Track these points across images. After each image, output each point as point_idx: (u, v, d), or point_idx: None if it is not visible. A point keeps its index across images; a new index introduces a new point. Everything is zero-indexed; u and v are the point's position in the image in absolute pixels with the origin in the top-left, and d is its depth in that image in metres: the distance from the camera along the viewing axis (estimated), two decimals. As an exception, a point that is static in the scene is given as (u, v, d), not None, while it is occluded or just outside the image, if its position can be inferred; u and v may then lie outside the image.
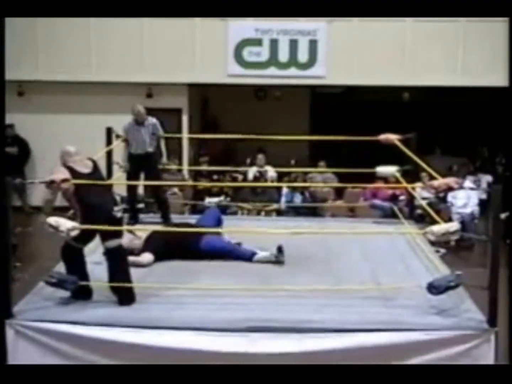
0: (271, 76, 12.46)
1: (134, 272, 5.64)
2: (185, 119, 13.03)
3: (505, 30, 10.36)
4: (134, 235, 6.52)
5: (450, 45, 12.23)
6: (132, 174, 7.78)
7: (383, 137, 7.80)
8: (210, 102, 14.89)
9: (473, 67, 12.19)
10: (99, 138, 8.10)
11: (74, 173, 5.33)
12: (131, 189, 7.97)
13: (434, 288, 5.23)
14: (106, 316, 5.15)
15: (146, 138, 7.69)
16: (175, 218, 8.04)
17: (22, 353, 5.00)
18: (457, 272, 5.59)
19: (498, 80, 11.38)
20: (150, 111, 12.75)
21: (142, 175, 7.93)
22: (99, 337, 4.96)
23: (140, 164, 7.74)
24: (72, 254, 5.44)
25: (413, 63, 12.24)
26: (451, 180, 6.16)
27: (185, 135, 12.84)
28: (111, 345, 4.94)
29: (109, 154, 7.83)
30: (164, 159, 8.03)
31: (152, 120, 7.82)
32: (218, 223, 7.23)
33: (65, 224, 5.14)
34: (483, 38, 11.98)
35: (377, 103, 13.99)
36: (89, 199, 5.31)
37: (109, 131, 7.86)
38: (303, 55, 12.31)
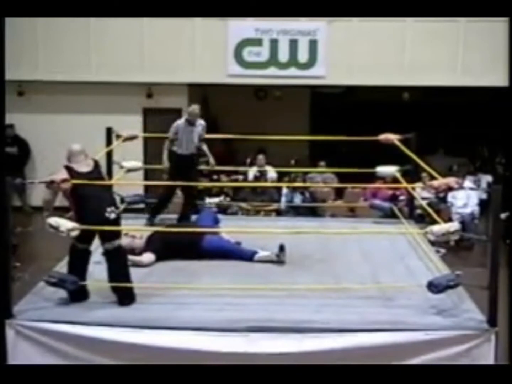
0: (271, 76, 12.44)
1: (134, 272, 5.64)
2: (185, 119, 13.00)
3: (505, 30, 10.37)
4: (133, 237, 6.52)
5: (450, 45, 12.19)
6: (176, 175, 7.57)
7: (382, 137, 7.80)
8: (210, 102, 14.84)
9: (473, 67, 12.16)
10: (99, 138, 8.06)
11: (73, 173, 5.33)
12: (171, 190, 7.84)
13: (434, 287, 5.23)
14: (106, 316, 5.15)
15: (195, 139, 7.60)
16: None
17: (22, 353, 4.99)
18: (457, 272, 5.61)
19: (498, 80, 11.37)
20: (151, 111, 12.95)
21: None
22: (99, 337, 4.95)
23: (185, 164, 7.63)
24: (79, 254, 5.45)
25: (413, 63, 12.20)
26: (451, 180, 6.14)
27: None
28: (111, 345, 4.93)
29: (109, 154, 7.78)
30: (212, 160, 7.99)
31: (202, 122, 7.72)
32: (216, 223, 7.24)
33: (65, 224, 5.17)
34: (483, 38, 11.94)
35: (377, 103, 13.96)
36: (83, 200, 5.30)
37: (109, 131, 7.83)
38: (303, 55, 12.28)
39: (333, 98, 14.74)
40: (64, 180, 5.26)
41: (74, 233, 5.18)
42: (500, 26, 10.95)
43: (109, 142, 7.83)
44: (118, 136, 7.81)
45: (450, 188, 5.86)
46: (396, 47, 12.25)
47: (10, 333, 5.01)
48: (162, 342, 4.90)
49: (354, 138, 8.03)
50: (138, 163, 8.57)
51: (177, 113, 12.80)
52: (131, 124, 11.73)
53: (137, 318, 5.11)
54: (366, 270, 6.17)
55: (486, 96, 12.81)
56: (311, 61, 12.28)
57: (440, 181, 6.12)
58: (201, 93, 14.11)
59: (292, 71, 12.31)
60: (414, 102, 14.17)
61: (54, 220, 5.18)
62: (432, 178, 6.47)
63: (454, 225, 5.50)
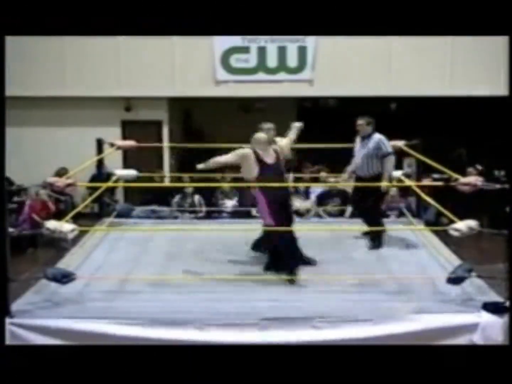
0: (260, 81, 12.11)
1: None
2: (165, 131, 12.63)
3: (492, 41, 10.26)
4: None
5: (438, 55, 12.03)
6: None
7: (391, 143, 7.48)
8: (193, 115, 14.46)
9: (460, 77, 12.00)
10: (81, 150, 8.34)
11: None
12: None
13: (454, 279, 5.29)
14: (106, 311, 5.01)
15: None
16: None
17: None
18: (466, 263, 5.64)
19: (486, 90, 11.43)
20: (129, 124, 12.50)
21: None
22: (99, 332, 4.80)
23: None
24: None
25: (401, 74, 12.02)
26: (476, 178, 5.99)
27: (166, 144, 12.44)
28: (112, 339, 4.75)
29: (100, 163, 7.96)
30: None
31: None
32: None
33: (65, 227, 5.37)
34: (470, 48, 11.75)
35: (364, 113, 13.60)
36: None
37: (99, 142, 7.89)
38: (292, 61, 12.00)
39: (319, 111, 14.53)
40: (68, 185, 5.78)
41: (73, 235, 5.41)
42: (488, 37, 10.77)
43: (99, 152, 7.89)
44: (112, 145, 7.98)
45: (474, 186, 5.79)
46: (383, 56, 12.07)
47: (9, 332, 4.82)
48: (170, 336, 4.76)
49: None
50: (133, 171, 8.37)
51: (157, 125, 12.50)
52: (108, 136, 11.33)
53: (141, 312, 4.97)
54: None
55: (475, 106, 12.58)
56: (301, 66, 12.04)
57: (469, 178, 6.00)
58: (183, 105, 13.75)
59: (282, 75, 12.05)
60: (402, 112, 13.89)
61: (52, 224, 5.38)
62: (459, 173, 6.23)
63: (473, 221, 5.53)
